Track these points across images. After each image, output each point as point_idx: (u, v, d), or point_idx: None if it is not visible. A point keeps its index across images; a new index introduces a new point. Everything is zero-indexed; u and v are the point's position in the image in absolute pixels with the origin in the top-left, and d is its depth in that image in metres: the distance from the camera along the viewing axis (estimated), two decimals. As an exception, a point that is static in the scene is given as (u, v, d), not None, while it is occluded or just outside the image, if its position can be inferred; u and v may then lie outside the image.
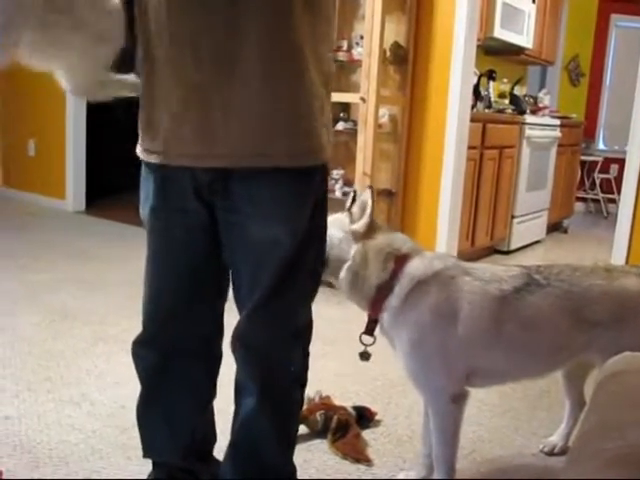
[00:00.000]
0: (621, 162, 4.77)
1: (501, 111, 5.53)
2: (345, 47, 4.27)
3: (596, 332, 1.86)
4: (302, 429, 2.21)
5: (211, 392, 1.79)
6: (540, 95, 6.77)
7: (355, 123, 4.14)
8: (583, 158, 7.64)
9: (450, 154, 4.22)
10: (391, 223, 4.20)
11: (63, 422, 2.33)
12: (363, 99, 3.93)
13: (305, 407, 2.10)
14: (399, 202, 4.37)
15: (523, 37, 5.90)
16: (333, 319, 3.11)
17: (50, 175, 6.15)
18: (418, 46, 4.23)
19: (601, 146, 8.60)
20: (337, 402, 2.40)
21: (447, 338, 1.82)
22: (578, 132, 6.87)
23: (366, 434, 2.35)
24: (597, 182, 8.20)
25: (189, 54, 1.40)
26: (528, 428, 2.50)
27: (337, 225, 1.83)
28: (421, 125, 4.27)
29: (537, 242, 6.06)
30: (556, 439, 2.33)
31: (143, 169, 1.62)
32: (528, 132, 5.39)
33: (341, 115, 4.36)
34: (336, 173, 4.22)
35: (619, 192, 4.64)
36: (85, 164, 6.04)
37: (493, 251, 5.39)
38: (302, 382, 1.68)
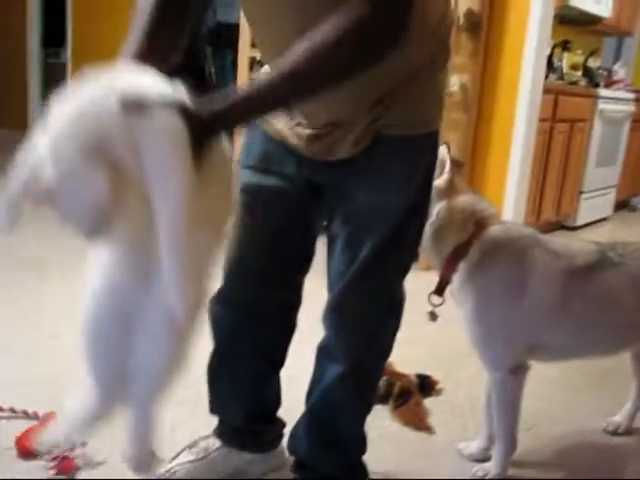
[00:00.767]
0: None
1: (574, 83, 5.38)
2: (418, 13, 4.20)
3: None
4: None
5: (282, 359, 1.80)
6: (615, 68, 6.56)
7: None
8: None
9: (521, 126, 4.13)
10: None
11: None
12: (434, 66, 3.86)
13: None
14: (467, 173, 4.31)
15: (601, 6, 5.71)
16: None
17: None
18: (493, 13, 4.13)
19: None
20: (399, 369, 2.41)
21: (512, 309, 1.80)
22: (654, 107, 6.66)
23: (428, 402, 2.36)
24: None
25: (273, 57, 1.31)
26: (590, 406, 2.47)
27: None
28: (492, 95, 4.18)
29: (604, 219, 5.93)
30: (620, 419, 2.29)
31: (248, 133, 1.63)
32: (601, 106, 5.24)
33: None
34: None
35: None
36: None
37: (559, 226, 5.29)
38: (387, 356, 1.67)
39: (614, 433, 2.27)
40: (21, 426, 2.00)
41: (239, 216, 1.63)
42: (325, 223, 1.63)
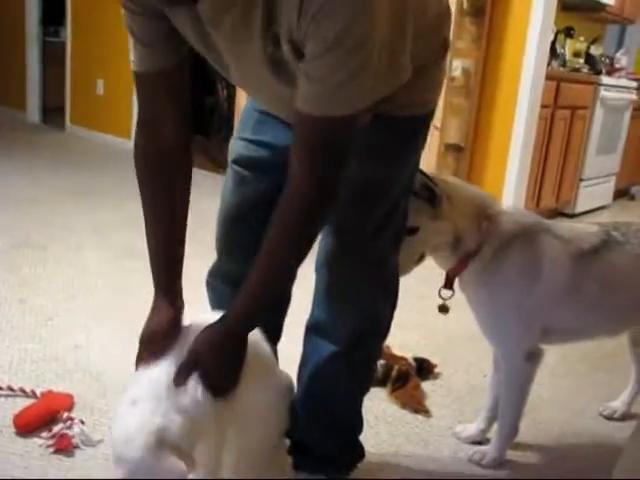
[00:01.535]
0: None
1: (576, 70, 5.36)
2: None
3: None
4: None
5: (278, 332, 1.81)
6: (617, 56, 6.53)
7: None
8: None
9: (522, 112, 4.12)
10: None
11: (129, 354, 2.38)
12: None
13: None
14: (467, 158, 4.31)
15: (605, -8, 5.68)
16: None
17: (118, 114, 6.22)
18: (496, -2, 4.12)
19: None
20: (397, 352, 2.41)
21: (527, 296, 1.81)
22: (655, 96, 6.63)
23: (425, 386, 2.36)
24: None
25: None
26: (589, 391, 2.48)
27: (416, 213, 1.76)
28: (494, 80, 4.17)
29: (603, 207, 5.92)
30: (617, 404, 2.30)
31: (249, 99, 1.64)
32: (603, 93, 5.22)
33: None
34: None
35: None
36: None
37: (558, 213, 5.29)
38: (386, 335, 1.67)
39: (610, 418, 2.28)
40: (19, 404, 2.00)
41: (228, 189, 1.64)
42: None
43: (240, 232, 1.65)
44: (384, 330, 1.64)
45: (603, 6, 5.85)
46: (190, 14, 1.23)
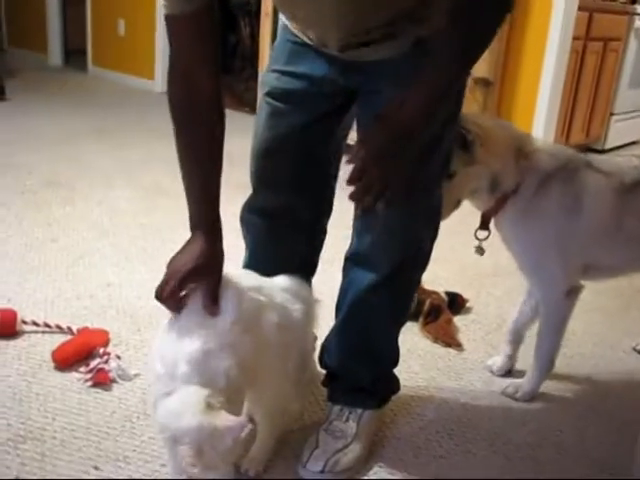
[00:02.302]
0: None
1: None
2: None
3: None
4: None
5: (314, 264, 1.80)
6: (652, -16, 6.32)
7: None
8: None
9: (553, 44, 4.01)
10: (486, 113, 4.06)
11: (161, 291, 2.41)
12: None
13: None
14: (496, 92, 4.22)
15: None
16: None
17: (139, 55, 6.16)
18: None
19: None
20: (429, 287, 2.40)
21: (568, 232, 1.79)
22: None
23: (457, 320, 2.36)
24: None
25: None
26: (621, 326, 2.47)
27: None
28: (525, 11, 4.05)
29: (634, 143, 5.80)
30: (651, 338, 2.29)
31: (280, 30, 1.60)
32: (638, 24, 5.06)
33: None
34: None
35: None
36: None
37: (587, 149, 5.19)
38: (425, 266, 1.65)
39: (644, 352, 2.28)
40: (56, 340, 2.03)
41: (263, 121, 1.61)
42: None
43: (275, 165, 1.63)
44: (424, 261, 1.62)
45: None
46: None
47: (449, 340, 2.22)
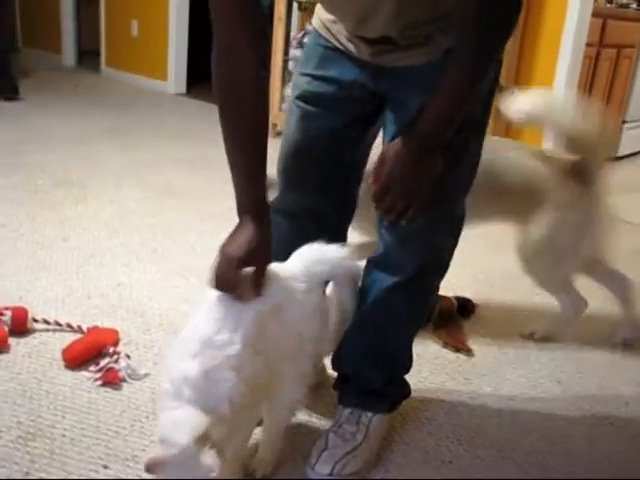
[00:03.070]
0: None
1: (624, 6, 5.17)
2: None
3: None
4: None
5: (343, 238, 1.79)
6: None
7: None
8: None
9: (567, 50, 4.01)
10: (498, 119, 4.05)
11: (171, 292, 2.42)
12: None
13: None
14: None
15: None
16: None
17: (152, 56, 6.18)
18: None
19: None
20: (439, 292, 2.39)
21: None
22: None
23: (467, 325, 2.35)
24: None
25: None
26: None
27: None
28: (538, 16, 4.04)
29: (646, 150, 5.78)
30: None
31: (311, 34, 1.60)
32: (651, 31, 5.04)
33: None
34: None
35: None
36: (187, 47, 6.03)
37: (599, 156, 5.17)
38: (445, 273, 1.65)
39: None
40: (66, 338, 2.04)
41: (292, 125, 1.61)
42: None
43: (304, 167, 1.63)
44: (444, 268, 1.63)
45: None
46: None
47: (459, 345, 2.21)
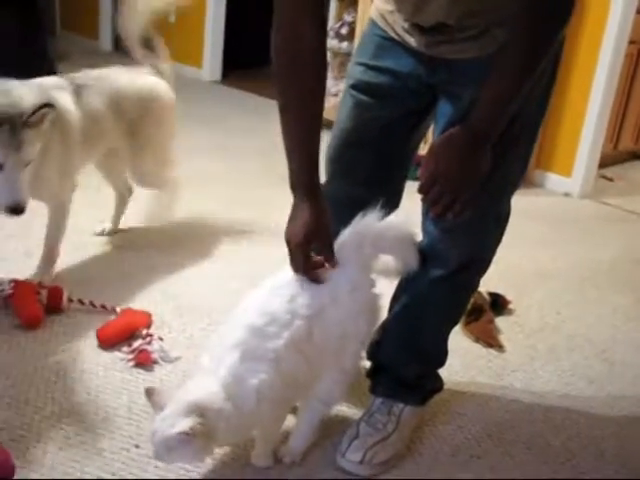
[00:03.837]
0: None
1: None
2: None
3: None
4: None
5: (398, 200, 1.77)
6: None
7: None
8: None
9: (608, 47, 3.93)
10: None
11: (204, 278, 2.44)
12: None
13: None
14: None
15: None
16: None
17: (188, 43, 6.18)
18: None
19: None
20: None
21: None
22: None
23: (499, 321, 2.34)
24: None
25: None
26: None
27: None
28: (581, 12, 3.97)
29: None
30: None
31: (368, 23, 1.60)
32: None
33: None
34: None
35: None
36: (223, 34, 6.03)
37: (636, 156, 5.10)
38: (486, 270, 1.65)
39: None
40: (100, 319, 2.06)
41: (346, 114, 1.60)
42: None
43: (354, 156, 1.62)
44: (487, 264, 1.63)
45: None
46: None
47: (490, 340, 2.20)
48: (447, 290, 1.60)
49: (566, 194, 3.86)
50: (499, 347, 2.19)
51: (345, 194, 1.65)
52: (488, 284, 2.49)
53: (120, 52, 7.07)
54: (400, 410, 1.67)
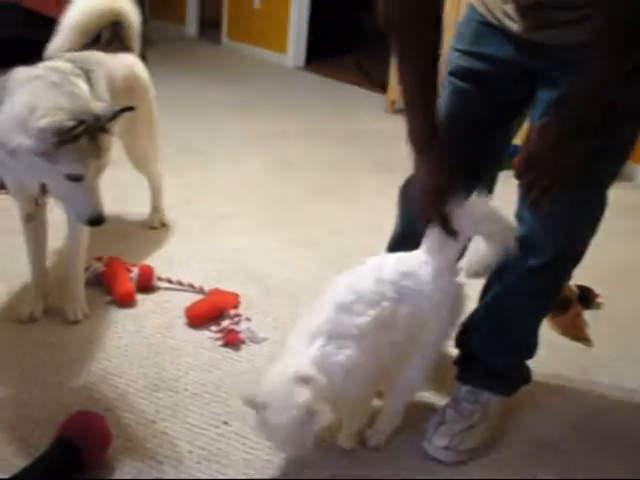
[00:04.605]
0: None
1: None
2: None
3: None
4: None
5: (492, 184, 1.76)
6: None
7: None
8: None
9: None
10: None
11: (290, 261, 2.46)
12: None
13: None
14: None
15: None
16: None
17: (273, 29, 6.24)
18: None
19: None
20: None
21: None
22: None
23: (587, 315, 2.28)
24: None
25: None
26: None
27: None
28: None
29: None
30: None
31: (467, 8, 1.59)
32: None
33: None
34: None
35: None
36: (308, 20, 6.05)
37: None
38: (580, 260, 1.60)
39: None
40: (188, 298, 2.11)
41: (444, 101, 1.60)
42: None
43: (451, 143, 1.62)
44: (581, 253, 1.59)
45: None
46: None
47: (577, 334, 2.16)
48: (541, 280, 1.57)
49: (657, 187, 3.74)
50: (586, 341, 2.15)
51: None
52: (576, 277, 2.43)
53: (204, 38, 7.23)
54: (487, 399, 1.66)
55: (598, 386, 1.95)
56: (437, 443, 1.58)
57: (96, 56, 2.09)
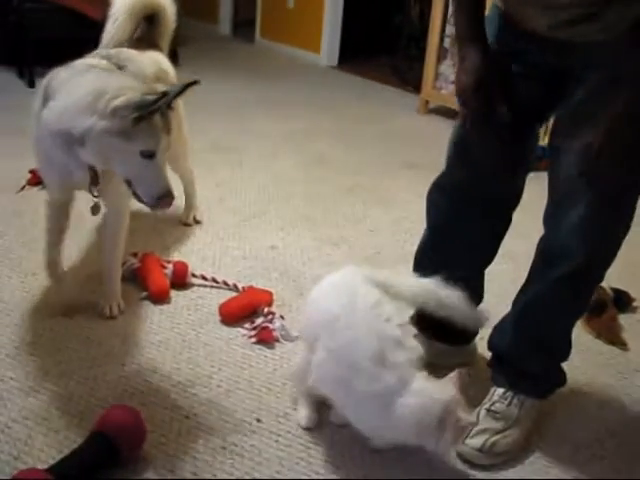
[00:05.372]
0: None
1: None
2: None
3: None
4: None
5: (492, 254, 1.79)
6: None
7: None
8: None
9: None
10: None
11: (323, 259, 2.46)
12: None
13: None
14: None
15: None
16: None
17: (306, 28, 6.24)
18: None
19: None
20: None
21: None
22: None
23: (623, 318, 2.26)
24: None
25: None
26: None
27: None
28: None
29: None
30: None
31: (492, 10, 1.58)
32: None
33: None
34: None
35: None
36: (342, 20, 6.05)
37: None
38: (611, 263, 1.59)
39: None
40: (222, 295, 2.13)
41: (472, 104, 1.59)
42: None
43: (480, 143, 1.61)
44: (612, 256, 1.57)
45: None
46: None
47: (613, 338, 2.14)
48: (572, 285, 1.56)
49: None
50: (622, 345, 2.12)
51: (467, 182, 1.64)
52: (613, 280, 2.41)
53: (237, 37, 7.25)
54: (521, 402, 1.65)
55: (634, 391, 1.93)
56: (471, 444, 1.57)
57: (127, 53, 2.11)
